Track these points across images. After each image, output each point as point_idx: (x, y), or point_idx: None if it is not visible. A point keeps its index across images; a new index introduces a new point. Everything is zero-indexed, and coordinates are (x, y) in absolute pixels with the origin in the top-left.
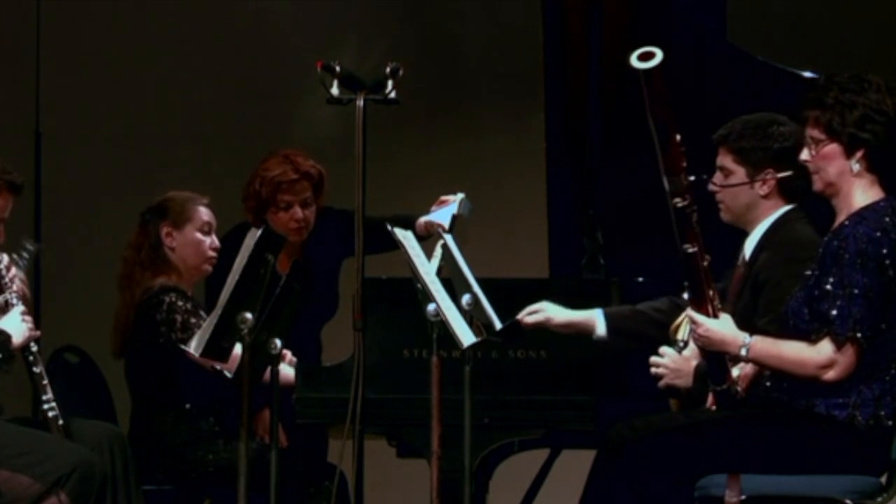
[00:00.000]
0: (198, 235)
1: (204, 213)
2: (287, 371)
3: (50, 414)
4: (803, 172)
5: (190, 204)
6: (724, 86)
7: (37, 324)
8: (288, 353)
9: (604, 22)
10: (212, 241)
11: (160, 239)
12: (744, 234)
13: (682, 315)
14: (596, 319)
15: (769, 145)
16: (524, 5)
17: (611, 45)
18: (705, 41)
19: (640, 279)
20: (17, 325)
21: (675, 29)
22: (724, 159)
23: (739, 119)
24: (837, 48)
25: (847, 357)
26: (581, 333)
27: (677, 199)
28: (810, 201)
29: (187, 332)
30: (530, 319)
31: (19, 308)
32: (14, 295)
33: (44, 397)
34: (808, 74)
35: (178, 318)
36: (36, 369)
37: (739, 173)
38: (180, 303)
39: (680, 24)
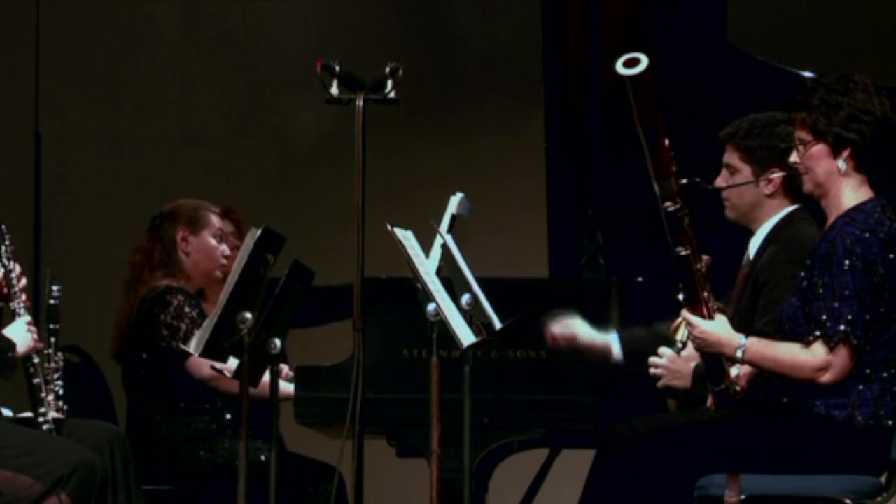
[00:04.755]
0: (212, 241)
1: (217, 220)
2: (285, 387)
3: (44, 427)
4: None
5: (204, 210)
6: (724, 86)
7: (37, 326)
8: (285, 368)
9: (603, 22)
10: (223, 248)
11: (175, 242)
12: (746, 234)
13: (681, 317)
14: (611, 344)
15: (776, 144)
16: (524, 6)
17: (611, 45)
18: (705, 41)
19: (640, 279)
20: (23, 335)
21: (674, 29)
22: (731, 157)
23: (747, 118)
24: (837, 48)
25: (841, 359)
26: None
27: (668, 203)
28: (816, 202)
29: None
30: (556, 331)
31: (25, 318)
32: (22, 305)
33: (40, 409)
34: (808, 74)
35: (184, 326)
36: (35, 380)
37: (745, 171)
38: (187, 309)
39: (680, 25)
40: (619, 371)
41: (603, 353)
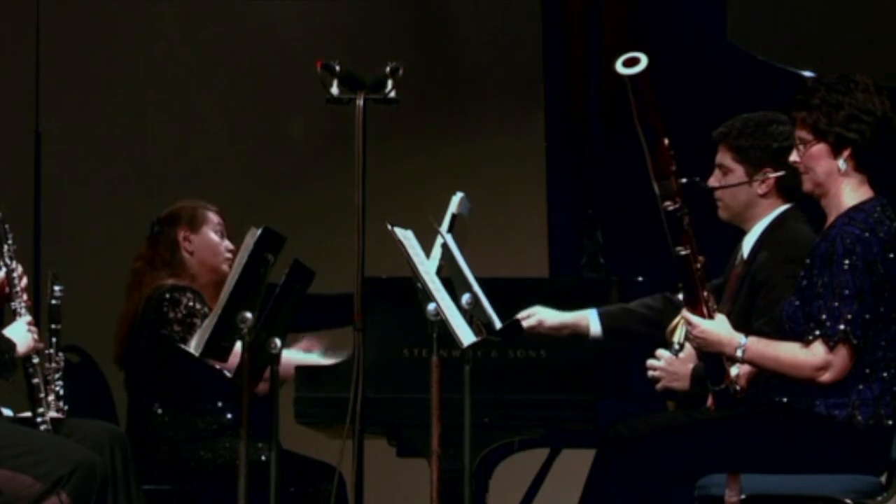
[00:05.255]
0: (214, 237)
1: (215, 216)
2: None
3: (42, 427)
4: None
5: (201, 209)
6: (724, 86)
7: (37, 325)
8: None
9: (603, 21)
10: (226, 243)
11: (177, 244)
12: (740, 234)
13: (678, 317)
14: (590, 319)
15: (768, 144)
16: (524, 6)
17: (610, 45)
18: (705, 41)
19: (640, 279)
20: (23, 335)
21: (674, 29)
22: (724, 157)
23: (739, 117)
24: (837, 48)
25: (841, 358)
26: (575, 334)
27: (668, 203)
28: (809, 200)
29: None
30: (523, 325)
31: (26, 318)
32: (23, 305)
33: (39, 409)
34: (808, 74)
35: (198, 322)
36: (35, 380)
37: (738, 171)
38: (198, 306)
39: (680, 25)
40: (599, 346)
41: (577, 329)
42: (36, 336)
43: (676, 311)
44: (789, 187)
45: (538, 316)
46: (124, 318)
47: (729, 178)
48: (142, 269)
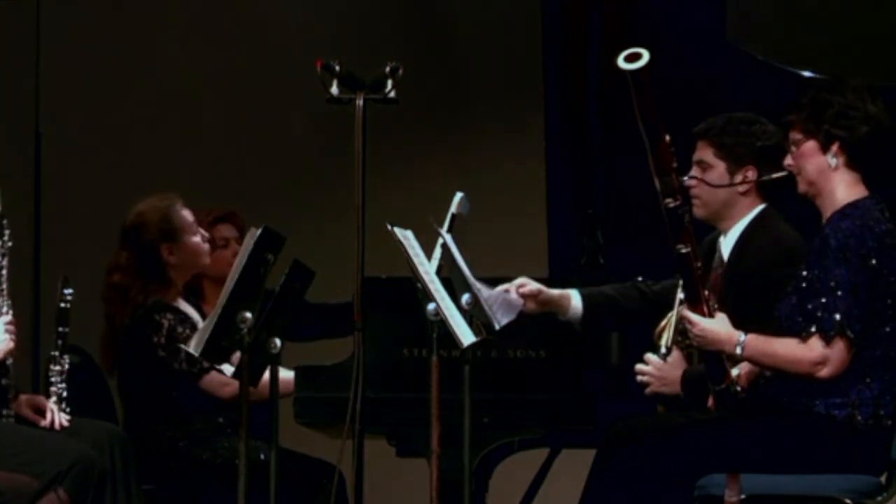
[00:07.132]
0: (194, 239)
1: (186, 213)
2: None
3: None
4: (783, 172)
5: (169, 213)
6: (723, 86)
7: (36, 326)
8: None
9: (603, 21)
10: (202, 234)
11: (163, 260)
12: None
13: (665, 319)
14: (571, 300)
15: (752, 142)
16: (524, 5)
17: (611, 45)
18: (705, 41)
19: (640, 279)
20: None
21: (674, 28)
22: (704, 153)
23: (722, 115)
24: (838, 47)
25: (838, 352)
26: (552, 309)
27: (668, 200)
28: (787, 200)
29: (195, 365)
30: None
31: (5, 318)
32: (5, 303)
33: (4, 411)
34: (808, 74)
35: (182, 346)
36: (4, 381)
37: (719, 168)
38: (180, 328)
39: (679, 24)
40: (575, 325)
41: (560, 305)
42: (14, 337)
43: (647, 304)
44: (768, 188)
45: (525, 279)
46: (106, 336)
47: (708, 174)
48: (122, 283)
